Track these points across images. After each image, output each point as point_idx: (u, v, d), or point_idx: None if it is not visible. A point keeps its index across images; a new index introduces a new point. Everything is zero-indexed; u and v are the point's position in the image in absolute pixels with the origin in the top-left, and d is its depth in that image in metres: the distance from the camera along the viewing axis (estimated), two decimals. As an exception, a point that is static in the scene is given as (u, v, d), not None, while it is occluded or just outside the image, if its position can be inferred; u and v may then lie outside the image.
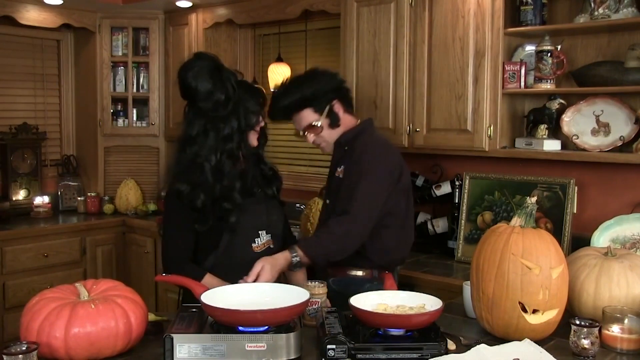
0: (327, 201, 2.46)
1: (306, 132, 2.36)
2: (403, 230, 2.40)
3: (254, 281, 1.98)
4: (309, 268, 2.27)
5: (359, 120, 2.43)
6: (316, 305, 1.94)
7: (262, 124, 2.22)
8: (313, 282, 2.01)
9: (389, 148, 2.39)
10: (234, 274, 2.06)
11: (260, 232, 2.18)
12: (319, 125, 2.33)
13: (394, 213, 2.33)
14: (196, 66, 2.09)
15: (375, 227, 2.27)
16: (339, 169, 2.37)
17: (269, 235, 2.21)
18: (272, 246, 2.20)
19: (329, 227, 2.20)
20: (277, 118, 2.40)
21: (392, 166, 2.32)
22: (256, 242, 2.17)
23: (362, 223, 2.21)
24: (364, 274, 2.36)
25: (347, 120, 2.38)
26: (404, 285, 2.48)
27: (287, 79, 2.41)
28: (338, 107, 2.35)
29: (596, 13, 2.65)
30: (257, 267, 2.01)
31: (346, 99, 2.40)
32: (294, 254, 2.10)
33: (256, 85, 2.36)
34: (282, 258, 2.09)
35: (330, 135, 2.36)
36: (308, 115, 2.33)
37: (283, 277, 2.23)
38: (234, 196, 2.10)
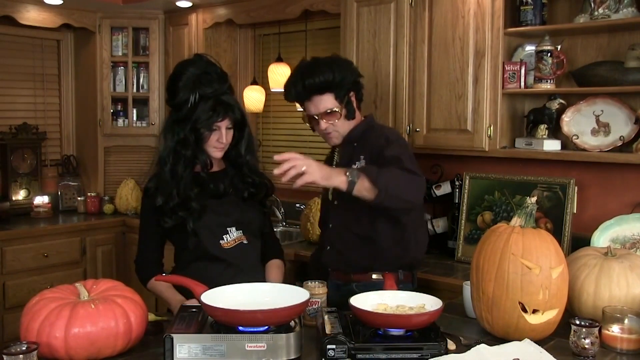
0: (335, 202, 2.38)
1: (321, 118, 2.29)
2: (421, 228, 2.40)
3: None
4: (314, 269, 2.26)
5: (362, 117, 2.42)
6: (316, 305, 1.94)
7: (225, 122, 2.13)
8: (313, 282, 2.01)
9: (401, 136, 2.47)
10: (208, 270, 2.11)
11: (228, 228, 2.18)
12: (337, 112, 2.28)
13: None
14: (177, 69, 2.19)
15: (398, 227, 2.26)
16: (354, 167, 2.27)
17: (240, 231, 2.19)
18: (244, 242, 2.20)
19: (386, 166, 2.05)
20: (296, 97, 2.31)
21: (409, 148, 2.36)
22: (225, 238, 2.16)
23: (417, 171, 2.11)
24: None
25: (357, 116, 2.38)
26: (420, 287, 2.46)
27: (310, 59, 2.34)
28: (353, 100, 2.34)
29: (596, 13, 2.65)
30: (297, 158, 1.88)
31: (359, 93, 2.39)
32: (349, 171, 1.96)
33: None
34: (333, 169, 2.01)
35: (343, 127, 2.32)
36: (328, 100, 2.27)
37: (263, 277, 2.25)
38: (191, 205, 2.11)
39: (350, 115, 2.32)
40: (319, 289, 1.98)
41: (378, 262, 2.30)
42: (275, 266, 2.30)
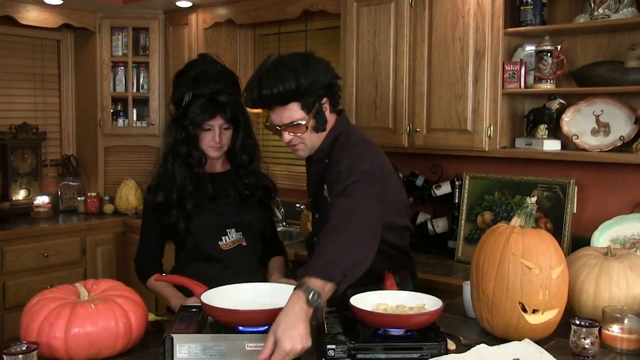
0: (317, 215, 2.15)
1: (284, 129, 1.95)
2: (402, 238, 2.21)
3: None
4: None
5: (336, 117, 2.06)
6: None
7: (218, 121, 2.12)
8: None
9: (365, 150, 1.99)
10: (206, 271, 2.12)
11: (228, 230, 2.19)
12: (303, 124, 1.94)
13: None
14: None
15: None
16: (325, 187, 2.03)
17: (240, 233, 2.20)
18: (244, 244, 2.20)
19: (322, 244, 1.69)
20: (252, 105, 1.97)
21: (379, 165, 1.98)
22: (224, 240, 2.17)
23: (362, 196, 1.77)
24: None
25: (330, 123, 2.02)
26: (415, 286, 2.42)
27: (275, 59, 1.94)
28: (326, 107, 1.98)
29: (596, 13, 2.65)
30: (269, 341, 1.51)
31: (335, 97, 2.02)
32: (308, 290, 1.55)
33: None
34: (294, 305, 1.54)
35: (311, 139, 1.99)
36: (293, 111, 1.91)
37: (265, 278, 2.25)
38: (184, 204, 2.12)
39: (320, 127, 1.97)
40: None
41: (366, 276, 1.89)
42: (277, 259, 2.32)
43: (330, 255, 1.62)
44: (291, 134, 1.96)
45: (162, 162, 2.19)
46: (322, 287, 1.57)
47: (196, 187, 2.16)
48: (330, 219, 1.74)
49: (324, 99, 1.97)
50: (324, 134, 2.01)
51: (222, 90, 2.12)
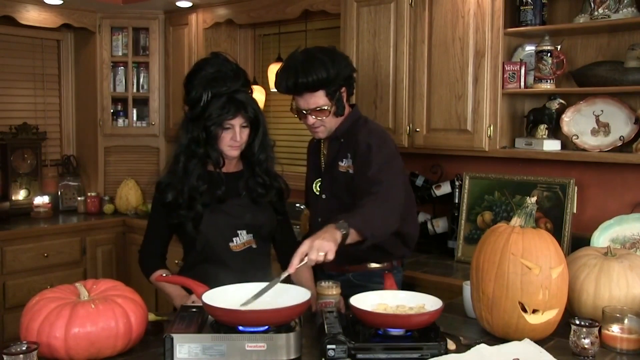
0: (323, 196, 2.40)
1: (310, 114, 2.26)
2: (411, 217, 2.39)
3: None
4: (317, 268, 2.24)
5: (349, 107, 2.39)
6: (330, 306, 1.93)
7: (238, 120, 2.12)
8: (327, 282, 2.00)
9: (386, 134, 2.39)
10: (215, 271, 2.09)
11: (239, 231, 2.16)
12: (326, 109, 2.25)
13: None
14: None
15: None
16: (341, 164, 2.32)
17: (250, 235, 2.18)
18: (253, 246, 2.18)
19: (366, 206, 2.04)
20: (287, 91, 2.26)
21: (395, 148, 2.34)
22: (234, 241, 2.15)
23: (395, 199, 2.14)
24: (385, 265, 2.35)
25: (346, 111, 2.34)
26: (404, 285, 2.48)
27: (304, 52, 2.27)
28: (343, 96, 2.31)
29: (596, 13, 2.65)
30: (304, 247, 1.80)
31: (351, 87, 2.35)
32: (340, 226, 1.89)
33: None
34: (331, 230, 1.88)
35: (331, 122, 2.30)
36: (319, 98, 2.23)
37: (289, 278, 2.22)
38: (195, 206, 2.10)
39: (339, 112, 2.29)
40: (333, 290, 1.97)
41: (372, 254, 2.27)
42: (305, 267, 2.27)
43: (370, 216, 2.00)
44: (315, 117, 2.27)
45: (173, 161, 2.16)
46: (350, 229, 1.91)
47: (209, 188, 2.14)
48: (378, 187, 2.11)
49: (343, 88, 2.28)
50: (341, 119, 2.32)
51: (240, 89, 2.12)
